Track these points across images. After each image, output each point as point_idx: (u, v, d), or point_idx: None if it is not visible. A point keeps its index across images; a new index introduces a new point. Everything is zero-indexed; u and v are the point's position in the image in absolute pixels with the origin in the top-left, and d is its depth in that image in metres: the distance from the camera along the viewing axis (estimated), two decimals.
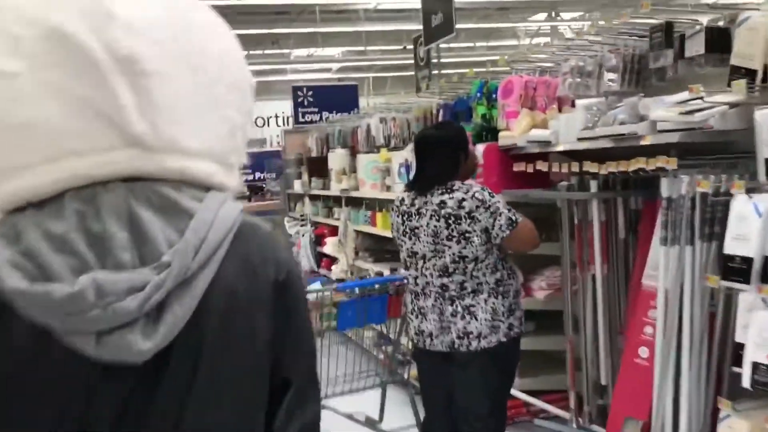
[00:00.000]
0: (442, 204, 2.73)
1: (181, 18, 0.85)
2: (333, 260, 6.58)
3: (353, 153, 6.44)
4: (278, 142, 16.52)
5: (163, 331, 0.76)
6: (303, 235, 7.11)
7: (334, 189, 6.41)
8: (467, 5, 14.32)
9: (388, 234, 5.46)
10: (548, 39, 15.56)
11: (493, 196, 2.76)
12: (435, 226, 2.73)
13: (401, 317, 3.57)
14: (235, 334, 0.83)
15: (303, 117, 8.16)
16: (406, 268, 2.93)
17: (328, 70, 20.62)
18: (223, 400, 0.83)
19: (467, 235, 2.70)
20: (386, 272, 4.13)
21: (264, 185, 10.10)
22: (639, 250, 3.05)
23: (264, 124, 21.34)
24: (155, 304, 0.76)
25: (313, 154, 7.63)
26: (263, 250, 0.87)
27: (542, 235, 3.74)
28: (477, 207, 2.70)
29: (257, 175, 10.28)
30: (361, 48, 18.05)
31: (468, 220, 2.70)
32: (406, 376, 3.86)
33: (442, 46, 7.71)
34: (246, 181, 10.28)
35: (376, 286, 3.41)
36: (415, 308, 2.89)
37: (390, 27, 16.22)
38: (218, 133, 0.86)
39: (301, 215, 7.27)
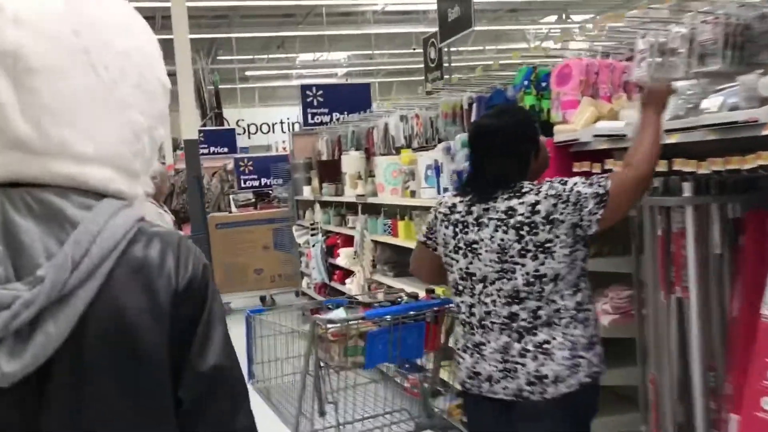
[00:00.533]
0: (511, 211, 2.09)
1: (84, 12, 0.78)
2: (347, 273, 5.94)
3: (369, 155, 5.82)
4: (284, 148, 15.92)
5: (33, 352, 0.71)
6: (313, 245, 6.48)
7: (349, 195, 5.78)
8: (477, 6, 13.77)
9: (411, 245, 4.84)
10: (557, 42, 15.00)
11: (565, 183, 2.12)
12: (502, 240, 2.10)
13: (440, 348, 2.93)
14: (122, 350, 0.77)
15: (312, 118, 7.52)
16: (457, 293, 2.29)
17: (334, 75, 20.07)
18: (120, 417, 0.77)
19: (548, 245, 2.06)
20: (416, 292, 3.48)
21: (270, 191, 9.47)
22: (745, 269, 2.41)
23: (269, 131, 20.86)
24: (25, 322, 0.70)
25: (324, 157, 7.00)
26: (162, 260, 0.81)
27: (606, 248, 3.15)
28: (555, 205, 2.07)
29: (263, 180, 9.63)
30: (369, 52, 17.49)
31: (548, 226, 2.05)
32: (438, 409, 3.21)
33: (451, 49, 7.13)
34: (252, 187, 9.65)
35: (412, 312, 2.77)
36: (469, 345, 2.25)
37: (397, 29, 15.66)
38: (119, 136, 0.80)
39: (312, 224, 6.62)
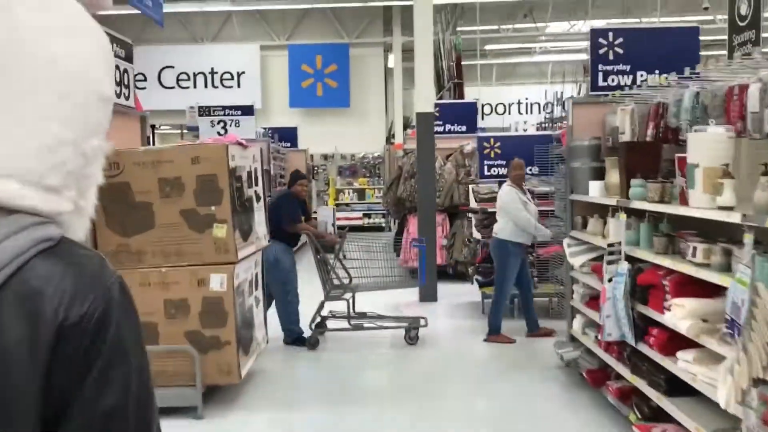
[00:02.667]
0: None
1: (11, 15, 0.73)
2: (676, 338, 3.27)
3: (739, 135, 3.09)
4: (524, 129, 13.28)
5: None
6: (609, 280, 3.87)
7: (698, 204, 3.09)
8: None
9: None
10: None
11: None
12: None
13: None
14: None
15: (605, 79, 4.89)
16: None
17: (585, 50, 16.99)
18: None
19: None
20: None
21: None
22: None
23: (505, 111, 18.60)
24: None
25: (627, 137, 4.34)
26: (56, 289, 0.71)
27: None
28: None
29: None
30: (636, 20, 14.19)
31: None
32: None
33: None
34: (497, 176, 7.25)
35: None
36: None
37: None
38: (28, 149, 0.74)
39: (610, 245, 4.00)
